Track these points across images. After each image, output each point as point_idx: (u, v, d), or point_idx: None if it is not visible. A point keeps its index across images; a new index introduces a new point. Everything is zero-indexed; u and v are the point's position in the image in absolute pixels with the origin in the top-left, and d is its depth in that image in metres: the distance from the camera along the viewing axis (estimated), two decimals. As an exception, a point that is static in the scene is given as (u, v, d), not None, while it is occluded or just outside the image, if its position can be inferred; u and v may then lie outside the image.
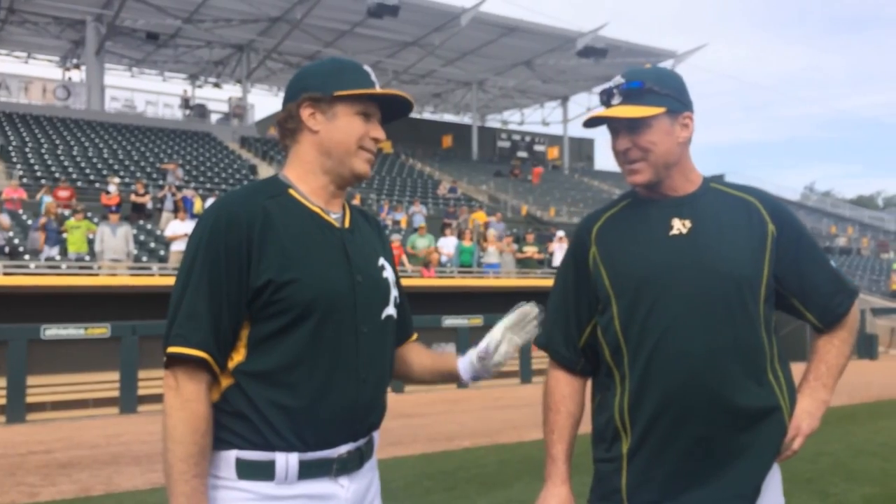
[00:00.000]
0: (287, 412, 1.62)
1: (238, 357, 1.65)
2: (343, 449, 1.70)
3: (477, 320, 14.15)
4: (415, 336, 2.05)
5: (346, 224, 1.80)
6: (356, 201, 21.43)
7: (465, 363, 2.00)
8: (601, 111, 1.88)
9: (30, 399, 10.55)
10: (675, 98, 1.85)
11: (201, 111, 34.80)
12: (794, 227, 1.92)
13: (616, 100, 1.86)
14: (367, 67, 1.83)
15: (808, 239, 1.94)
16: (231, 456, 1.62)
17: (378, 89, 1.79)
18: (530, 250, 19.80)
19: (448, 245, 18.85)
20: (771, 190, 47.16)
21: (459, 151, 40.02)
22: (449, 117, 46.05)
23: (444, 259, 18.51)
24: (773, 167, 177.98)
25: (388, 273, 1.85)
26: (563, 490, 1.90)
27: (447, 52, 34.35)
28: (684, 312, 1.78)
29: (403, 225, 21.80)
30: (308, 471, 1.64)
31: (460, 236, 19.10)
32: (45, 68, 35.77)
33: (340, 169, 1.77)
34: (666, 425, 1.78)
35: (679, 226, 1.86)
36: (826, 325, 1.94)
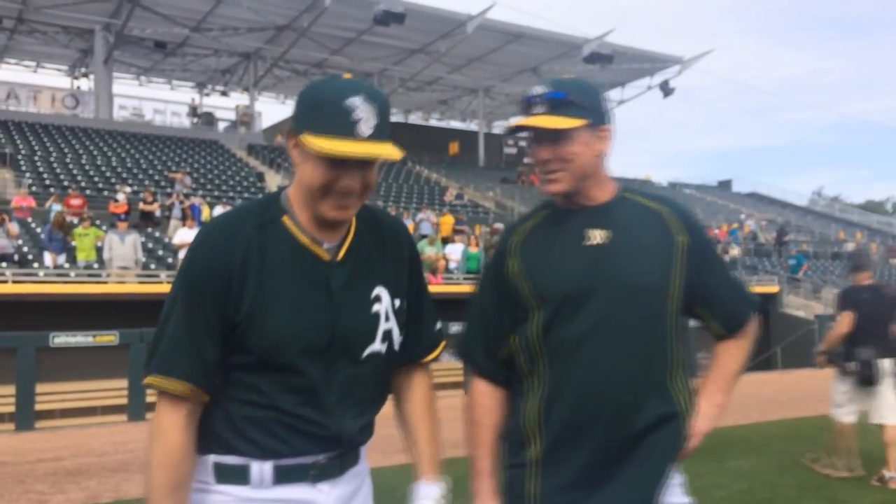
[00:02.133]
0: (260, 428, 1.62)
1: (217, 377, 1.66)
2: (321, 456, 1.67)
3: (484, 327, 14.14)
4: (428, 357, 1.89)
5: (340, 255, 1.69)
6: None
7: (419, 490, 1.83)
8: (525, 119, 1.87)
9: (39, 407, 10.60)
10: (594, 111, 1.87)
11: (209, 119, 34.98)
12: (703, 238, 1.98)
13: (539, 108, 1.86)
14: (350, 101, 1.54)
15: (713, 250, 2.04)
16: (209, 460, 1.65)
17: (333, 150, 1.52)
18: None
19: (455, 252, 18.87)
20: (777, 195, 47.14)
21: (466, 158, 40.07)
22: (455, 124, 46.12)
23: (451, 266, 18.52)
24: (780, 172, 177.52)
25: (381, 305, 1.72)
26: None
27: (453, 59, 34.41)
28: (599, 324, 1.81)
29: (411, 231, 21.80)
30: (283, 476, 1.64)
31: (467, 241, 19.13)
32: (54, 77, 36.03)
33: (314, 211, 1.63)
34: (573, 433, 1.82)
35: (594, 236, 1.88)
36: (729, 332, 2.01)
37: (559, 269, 1.86)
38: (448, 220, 22.72)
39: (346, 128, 1.53)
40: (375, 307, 1.71)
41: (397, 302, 1.76)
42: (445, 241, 20.09)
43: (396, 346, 1.77)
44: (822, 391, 13.13)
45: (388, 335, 1.74)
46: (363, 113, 1.54)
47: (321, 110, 1.55)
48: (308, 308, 1.63)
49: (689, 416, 1.90)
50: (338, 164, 1.55)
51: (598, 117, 1.87)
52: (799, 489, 5.94)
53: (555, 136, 1.84)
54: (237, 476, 1.64)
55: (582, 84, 1.91)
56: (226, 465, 1.64)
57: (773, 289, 23.41)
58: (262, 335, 1.59)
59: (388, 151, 1.57)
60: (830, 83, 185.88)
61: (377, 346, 1.71)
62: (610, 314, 1.81)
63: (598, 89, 1.93)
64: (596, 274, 1.83)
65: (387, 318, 1.73)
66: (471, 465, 1.93)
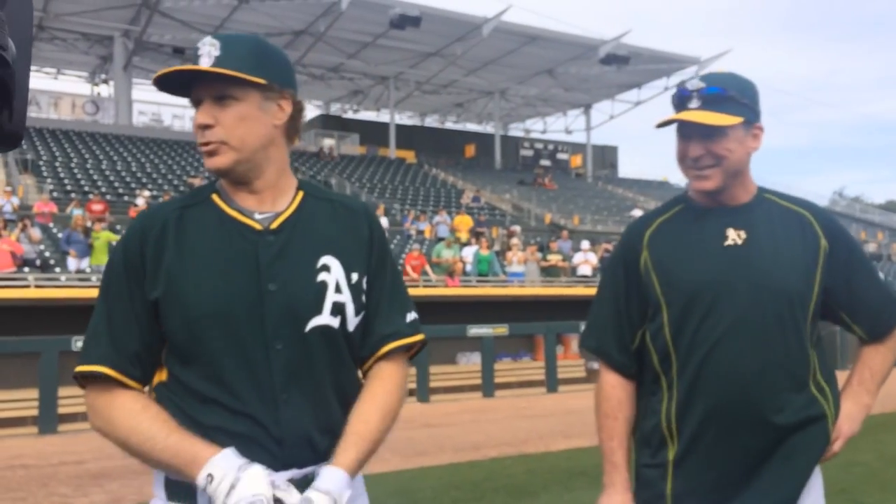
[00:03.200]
0: (206, 432, 1.49)
1: (160, 375, 1.59)
2: (282, 475, 1.49)
3: (502, 329, 14.12)
4: (384, 349, 1.67)
5: (275, 224, 1.60)
6: (380, 211, 21.53)
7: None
8: (682, 114, 1.83)
9: (61, 410, 10.68)
10: (751, 108, 1.85)
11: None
12: (847, 242, 1.94)
13: (694, 103, 1.82)
14: (201, 43, 1.58)
15: (859, 253, 1.97)
16: (162, 476, 1.56)
17: (171, 68, 1.55)
18: (554, 258, 19.74)
19: (467, 254, 18.84)
20: (799, 196, 46.58)
21: (482, 160, 40.04)
22: (471, 126, 46.11)
23: (468, 268, 18.52)
24: (800, 173, 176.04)
25: (330, 275, 1.59)
26: (628, 497, 1.90)
27: (469, 61, 34.42)
28: (736, 325, 1.80)
29: (427, 235, 21.83)
30: None
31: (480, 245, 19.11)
32: (74, 84, 36.59)
33: None
34: (713, 435, 1.80)
35: (734, 236, 1.86)
36: (874, 337, 1.96)
37: (693, 266, 1.85)
38: (465, 222, 22.62)
39: (186, 63, 1.56)
40: (322, 276, 1.58)
41: (354, 276, 1.62)
42: (464, 242, 20.05)
43: (351, 325, 1.61)
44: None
45: (339, 308, 1.58)
46: (205, 49, 1.55)
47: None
48: (232, 277, 1.54)
49: (833, 419, 1.88)
50: (197, 104, 1.58)
51: (753, 115, 1.85)
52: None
53: (709, 132, 1.81)
54: (186, 494, 1.51)
55: (740, 80, 1.88)
56: (174, 481, 1.53)
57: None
58: (186, 307, 1.51)
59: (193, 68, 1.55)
60: (850, 83, 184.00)
61: (325, 318, 1.56)
62: (746, 315, 1.80)
63: (755, 86, 1.90)
64: (732, 274, 1.82)
65: (338, 290, 1.59)
66: (604, 457, 1.91)
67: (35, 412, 10.61)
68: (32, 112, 29.56)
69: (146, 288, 1.54)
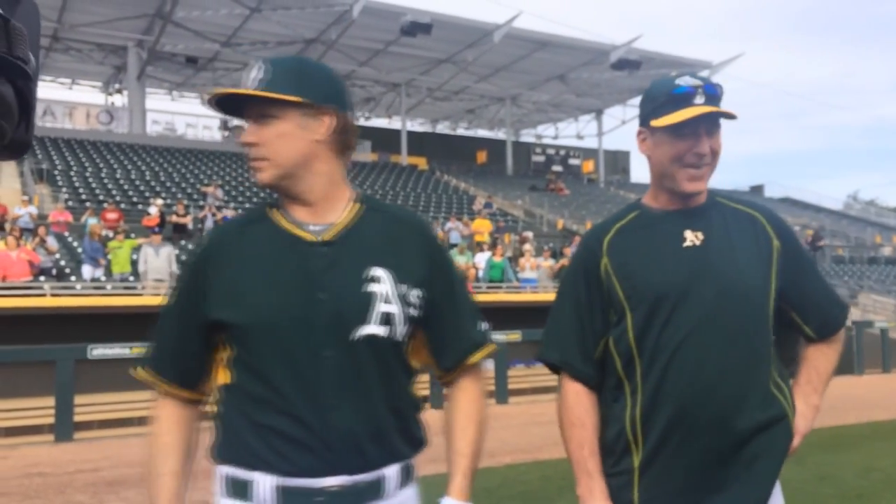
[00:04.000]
0: (261, 429, 1.57)
1: (224, 377, 1.67)
2: (331, 481, 1.56)
3: (515, 336, 14.09)
4: (467, 362, 1.75)
5: (327, 235, 1.67)
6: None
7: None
8: (704, 108, 1.80)
9: (77, 418, 10.75)
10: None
11: (239, 132, 35.36)
12: (796, 243, 1.97)
13: (699, 99, 1.81)
14: (249, 66, 1.69)
15: (806, 255, 2.03)
16: (221, 472, 1.64)
17: (222, 90, 1.67)
18: (567, 262, 19.72)
19: (479, 261, 18.83)
20: (813, 200, 46.44)
21: (494, 167, 40.06)
22: (483, 133, 46.15)
23: (480, 275, 18.51)
24: (814, 177, 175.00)
25: (381, 286, 1.64)
26: None
27: (480, 68, 34.48)
28: (700, 326, 1.79)
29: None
30: (287, 498, 1.56)
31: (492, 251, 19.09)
32: (88, 94, 36.80)
33: None
34: (678, 438, 1.79)
35: (692, 237, 1.87)
36: (822, 336, 1.99)
37: (655, 269, 1.84)
38: (484, 225, 22.42)
39: (234, 87, 1.68)
40: (370, 287, 1.63)
41: (404, 287, 1.65)
42: (481, 246, 19.99)
43: (399, 335, 1.65)
44: (861, 399, 12.88)
45: (387, 318, 1.62)
46: (255, 72, 1.67)
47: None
48: (284, 286, 1.62)
49: (792, 417, 1.89)
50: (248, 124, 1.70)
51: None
52: (839, 498, 5.84)
53: (713, 129, 1.83)
54: (242, 491, 1.59)
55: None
56: (232, 478, 1.61)
57: (809, 294, 22.98)
58: (240, 318, 1.60)
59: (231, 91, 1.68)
60: (864, 85, 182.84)
61: (373, 327, 1.61)
62: (709, 316, 1.80)
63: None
64: (694, 275, 1.82)
65: (386, 301, 1.63)
66: (577, 468, 1.87)
67: (51, 420, 10.67)
68: (48, 122, 29.87)
69: (207, 303, 1.65)
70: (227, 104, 1.72)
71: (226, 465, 1.63)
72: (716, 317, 1.79)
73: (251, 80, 1.64)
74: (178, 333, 1.70)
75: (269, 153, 1.65)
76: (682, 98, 1.82)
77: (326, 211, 1.70)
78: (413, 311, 1.67)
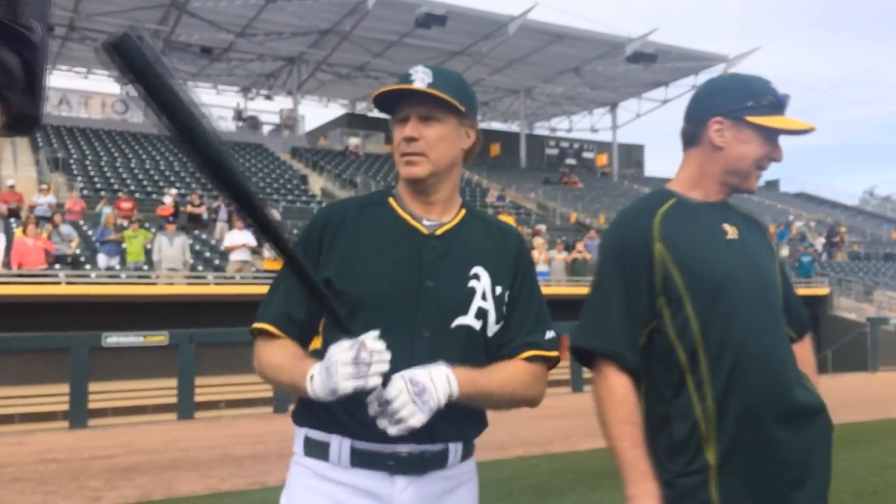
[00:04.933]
0: (340, 403, 1.62)
1: (315, 343, 1.80)
2: (401, 448, 1.68)
3: (527, 328, 14.09)
4: (524, 354, 1.80)
5: (440, 231, 1.83)
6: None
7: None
8: (803, 123, 1.89)
9: (91, 405, 10.85)
10: None
11: (253, 123, 35.48)
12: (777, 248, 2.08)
13: (787, 110, 1.90)
14: (414, 70, 1.82)
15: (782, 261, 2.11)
16: (302, 433, 1.79)
17: (384, 89, 1.81)
18: (580, 255, 19.70)
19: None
20: (828, 195, 46.05)
21: (507, 159, 39.95)
22: (497, 125, 46.00)
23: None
24: (830, 172, 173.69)
25: (480, 283, 1.78)
26: None
27: (495, 60, 34.37)
28: (756, 319, 1.82)
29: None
30: (360, 460, 1.69)
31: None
32: (104, 83, 36.87)
33: (402, 179, 1.87)
34: (753, 431, 1.77)
35: (731, 231, 1.90)
36: (800, 336, 2.04)
37: (713, 259, 1.84)
38: (508, 221, 22.30)
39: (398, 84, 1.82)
40: (472, 283, 1.79)
41: (499, 289, 1.80)
42: None
43: (490, 331, 1.78)
44: (876, 396, 12.80)
45: (482, 313, 1.77)
46: (418, 74, 1.82)
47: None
48: (397, 269, 1.75)
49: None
50: (403, 122, 1.81)
51: None
52: (853, 495, 5.81)
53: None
54: (319, 451, 1.74)
55: None
56: (312, 439, 1.76)
57: (824, 290, 22.89)
58: (356, 286, 1.72)
59: (415, 88, 1.80)
60: (882, 80, 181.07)
61: (469, 319, 1.76)
62: (760, 308, 1.84)
63: None
64: (742, 268, 1.85)
65: (483, 297, 1.78)
66: (629, 468, 1.76)
67: (66, 407, 10.79)
68: (63, 111, 30.05)
69: (319, 268, 1.76)
70: (383, 101, 1.83)
71: (306, 427, 1.78)
72: (766, 312, 1.85)
73: (420, 82, 1.77)
74: (295, 293, 1.75)
75: (429, 151, 1.79)
76: (783, 105, 1.88)
77: (443, 211, 1.86)
78: (504, 310, 1.81)
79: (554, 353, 1.83)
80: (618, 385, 1.81)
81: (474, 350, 1.76)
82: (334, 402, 1.60)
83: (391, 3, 28.15)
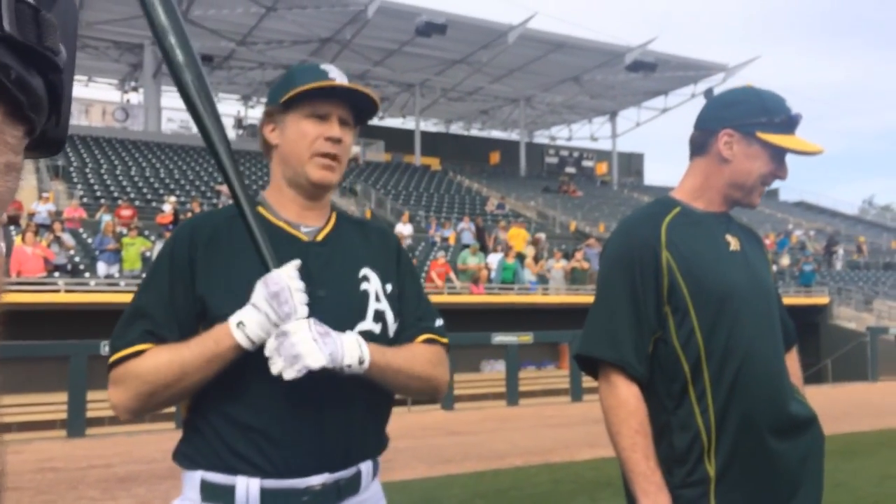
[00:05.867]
0: (245, 431, 1.54)
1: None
2: (315, 480, 1.55)
3: (526, 337, 14.07)
4: (421, 338, 1.76)
5: (319, 237, 1.72)
6: (404, 218, 21.58)
7: None
8: (808, 142, 1.90)
9: (90, 414, 10.81)
10: None
11: (254, 131, 35.48)
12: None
13: (798, 129, 1.91)
14: (326, 66, 1.73)
15: None
16: (195, 477, 1.58)
17: (314, 84, 1.67)
18: (578, 264, 19.69)
19: (492, 262, 18.79)
20: (827, 204, 46.08)
21: (507, 168, 40.00)
22: (496, 133, 46.10)
23: (493, 276, 18.48)
24: (829, 181, 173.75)
25: (371, 285, 1.70)
26: None
27: (495, 69, 34.44)
28: (759, 331, 1.83)
29: (452, 242, 21.81)
30: (272, 500, 1.53)
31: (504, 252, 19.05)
32: (104, 91, 36.95)
33: (298, 179, 1.70)
34: (751, 442, 1.78)
35: (734, 242, 1.90)
36: (788, 346, 2.03)
37: (718, 269, 1.85)
38: (521, 234, 21.64)
39: (322, 80, 1.71)
40: (363, 286, 1.69)
41: (388, 286, 1.73)
42: (520, 256, 19.77)
43: (391, 332, 1.70)
44: (876, 406, 12.78)
45: (380, 315, 1.68)
46: (336, 73, 1.76)
47: (299, 75, 1.74)
48: None
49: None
50: (321, 118, 1.72)
51: None
52: (852, 506, 5.78)
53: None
54: (222, 495, 1.54)
55: None
56: (211, 483, 1.56)
57: (823, 300, 22.87)
58: (239, 306, 1.54)
59: (356, 88, 1.75)
60: (881, 90, 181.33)
61: (369, 324, 1.65)
62: (762, 320, 1.85)
63: None
64: (745, 279, 1.86)
65: (377, 299, 1.69)
66: (642, 480, 1.74)
67: (64, 415, 10.75)
68: (64, 119, 30.05)
69: (195, 285, 1.61)
70: (306, 94, 1.69)
71: (200, 469, 1.58)
72: (768, 324, 1.86)
73: (342, 80, 1.71)
74: (165, 311, 1.60)
75: (343, 157, 1.72)
76: (795, 124, 1.88)
77: (319, 216, 1.76)
78: (397, 307, 1.73)
79: (446, 340, 1.79)
80: (629, 395, 1.79)
81: None
82: (239, 438, 1.52)
83: (391, 11, 28.23)
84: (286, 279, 1.52)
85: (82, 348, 11.03)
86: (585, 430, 9.87)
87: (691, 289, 1.80)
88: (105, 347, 11.10)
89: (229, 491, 1.54)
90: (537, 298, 18.22)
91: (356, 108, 1.74)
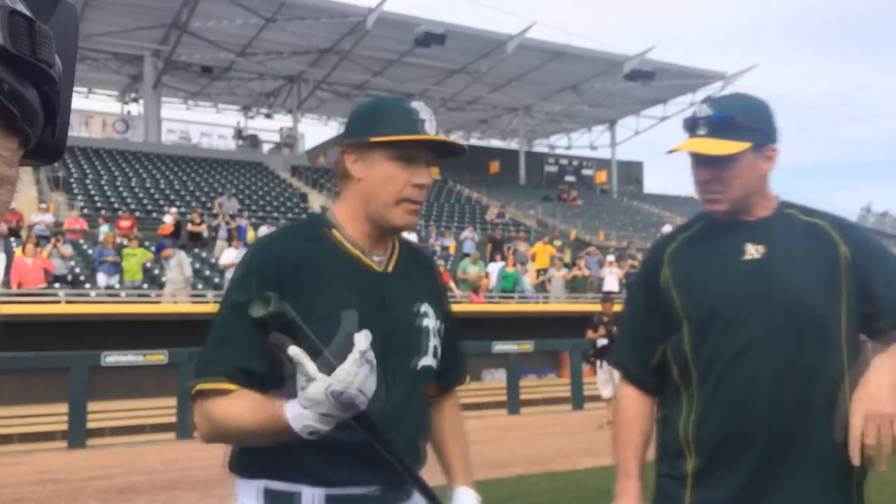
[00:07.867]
0: (314, 453, 1.56)
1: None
2: (374, 487, 1.63)
3: (527, 346, 14.06)
4: (455, 387, 1.96)
5: (390, 268, 1.74)
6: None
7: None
8: (685, 142, 1.87)
9: (90, 425, 10.80)
10: (762, 131, 1.84)
11: (254, 141, 35.63)
12: (866, 241, 1.91)
13: (701, 130, 1.84)
14: (413, 104, 1.71)
15: (879, 249, 1.93)
16: (261, 485, 1.62)
17: (411, 136, 1.65)
18: (580, 272, 19.69)
19: (492, 271, 18.78)
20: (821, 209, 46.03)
21: (507, 177, 40.03)
22: (496, 143, 46.15)
23: (492, 285, 18.48)
24: (829, 189, 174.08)
25: (429, 321, 1.75)
26: None
27: (494, 78, 34.52)
28: (756, 339, 1.79)
29: (452, 251, 21.80)
30: None
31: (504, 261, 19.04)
32: (104, 103, 37.02)
33: (380, 220, 1.69)
34: (733, 449, 1.79)
35: (752, 251, 1.87)
36: (892, 324, 1.82)
37: (712, 282, 1.86)
38: (547, 251, 21.08)
39: (413, 124, 1.69)
40: (424, 321, 1.75)
41: (440, 324, 1.80)
42: (542, 271, 19.64)
43: (438, 367, 1.80)
44: (877, 412, 12.74)
45: (435, 352, 1.76)
46: (423, 113, 1.73)
47: (388, 115, 1.72)
48: (367, 313, 1.59)
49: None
50: (409, 161, 1.71)
51: (764, 137, 1.85)
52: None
53: (717, 159, 1.82)
54: (288, 502, 1.59)
55: (751, 102, 1.88)
56: (276, 491, 1.60)
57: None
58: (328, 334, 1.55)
59: (448, 141, 1.81)
60: (879, 97, 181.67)
61: (429, 359, 1.75)
62: (767, 331, 1.79)
63: (768, 106, 1.89)
64: (750, 289, 1.82)
65: (434, 335, 1.77)
66: (618, 466, 1.95)
67: (64, 427, 10.73)
68: (64, 131, 30.10)
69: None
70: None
71: (263, 478, 1.62)
72: (774, 331, 1.79)
73: (430, 125, 1.70)
74: (249, 339, 1.52)
75: (425, 199, 1.76)
76: (688, 127, 1.88)
77: (388, 244, 1.77)
78: (444, 345, 1.81)
79: (466, 378, 2.00)
80: (623, 394, 2.01)
81: (427, 386, 1.81)
82: (306, 449, 1.48)
83: (391, 22, 28.32)
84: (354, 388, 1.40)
85: (83, 359, 11.02)
86: (587, 439, 9.87)
87: (683, 301, 1.88)
88: (106, 358, 11.11)
89: (294, 498, 1.60)
90: (537, 307, 18.21)
91: (441, 147, 1.75)
